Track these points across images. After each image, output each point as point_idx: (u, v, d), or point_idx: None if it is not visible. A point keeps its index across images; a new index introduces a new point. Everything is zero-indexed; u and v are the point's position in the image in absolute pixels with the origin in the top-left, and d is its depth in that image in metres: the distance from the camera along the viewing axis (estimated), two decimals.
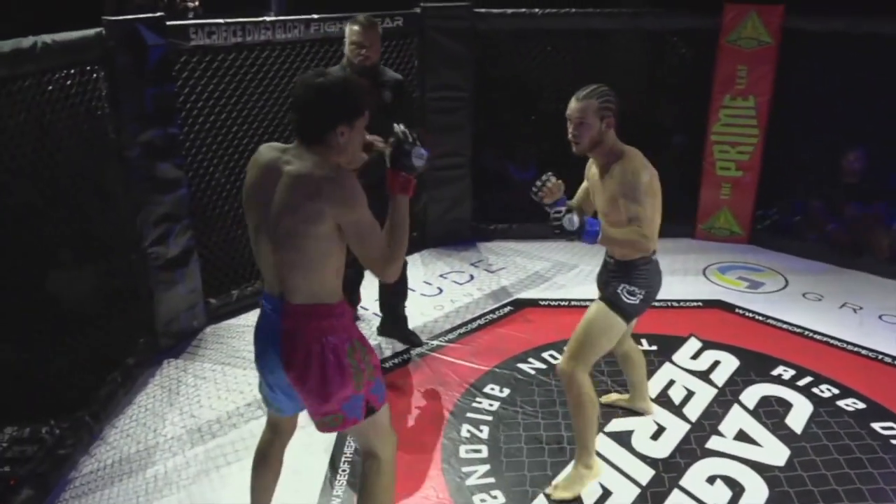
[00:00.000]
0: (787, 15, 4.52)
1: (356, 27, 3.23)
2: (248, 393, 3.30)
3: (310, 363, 1.90)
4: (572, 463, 2.70)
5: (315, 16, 4.01)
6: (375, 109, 3.44)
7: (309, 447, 2.84)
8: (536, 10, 4.68)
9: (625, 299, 2.54)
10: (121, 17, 3.20)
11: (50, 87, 2.83)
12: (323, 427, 2.03)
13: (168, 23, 3.39)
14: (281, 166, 1.88)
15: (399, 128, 1.94)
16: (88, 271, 3.28)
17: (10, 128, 2.63)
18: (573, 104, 2.45)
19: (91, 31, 3.07)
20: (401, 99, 3.43)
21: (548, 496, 2.63)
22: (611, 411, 3.11)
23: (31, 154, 2.75)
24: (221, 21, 3.64)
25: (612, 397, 3.18)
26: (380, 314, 3.81)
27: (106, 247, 3.37)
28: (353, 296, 3.88)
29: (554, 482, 2.68)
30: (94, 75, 3.09)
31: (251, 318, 3.99)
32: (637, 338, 3.68)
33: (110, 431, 3.02)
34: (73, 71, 2.96)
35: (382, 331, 3.80)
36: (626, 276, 2.56)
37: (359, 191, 1.83)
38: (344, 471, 2.78)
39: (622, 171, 2.41)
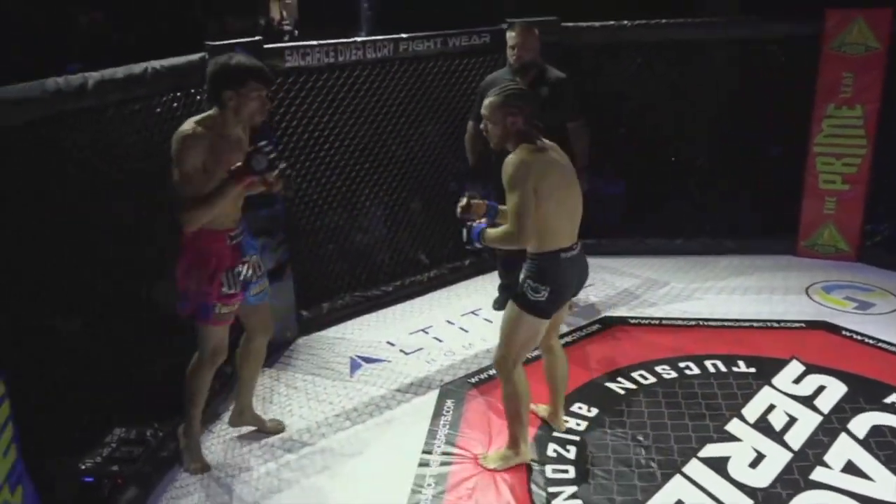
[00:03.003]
0: None
1: (511, 32, 3.74)
2: (336, 404, 3.37)
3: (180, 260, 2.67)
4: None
5: (404, 35, 4.09)
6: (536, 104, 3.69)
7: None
8: (626, 22, 4.60)
9: (530, 296, 2.58)
10: (222, 42, 3.37)
11: (158, 110, 3.01)
12: None
13: (265, 45, 3.55)
14: None
15: (260, 144, 2.50)
16: None
17: (122, 147, 2.81)
18: (483, 102, 2.62)
19: (195, 56, 3.25)
20: (562, 96, 3.76)
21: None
22: (705, 436, 2.98)
23: (139, 172, 2.93)
24: (315, 43, 3.77)
25: (540, 408, 3.12)
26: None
27: None
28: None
29: (487, 453, 2.92)
30: (198, 97, 3.26)
31: (341, 330, 4.10)
32: (734, 359, 3.54)
33: (208, 436, 3.14)
34: (178, 94, 3.14)
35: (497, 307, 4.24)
36: (530, 271, 2.60)
37: (187, 147, 2.45)
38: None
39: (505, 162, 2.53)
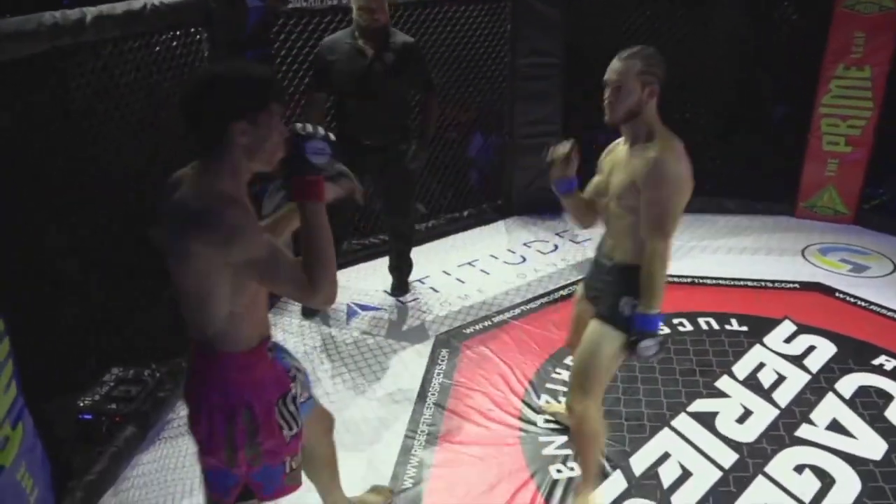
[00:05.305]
0: None
1: None
2: (332, 350, 3.41)
3: (197, 410, 1.67)
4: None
5: None
6: (383, 73, 3.39)
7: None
8: None
9: (627, 313, 2.16)
10: None
11: (157, 49, 2.95)
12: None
13: None
14: (177, 187, 1.57)
15: (296, 126, 1.62)
16: None
17: (120, 87, 2.76)
18: (614, 64, 2.09)
19: None
20: (409, 63, 3.41)
21: None
22: (695, 391, 3.04)
23: (139, 113, 2.89)
24: None
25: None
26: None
27: None
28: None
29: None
30: (198, 37, 3.19)
31: (338, 277, 4.06)
32: (726, 317, 3.58)
33: None
34: (178, 32, 3.07)
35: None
36: (628, 286, 2.16)
37: (242, 223, 1.48)
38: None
39: (654, 153, 2.06)
